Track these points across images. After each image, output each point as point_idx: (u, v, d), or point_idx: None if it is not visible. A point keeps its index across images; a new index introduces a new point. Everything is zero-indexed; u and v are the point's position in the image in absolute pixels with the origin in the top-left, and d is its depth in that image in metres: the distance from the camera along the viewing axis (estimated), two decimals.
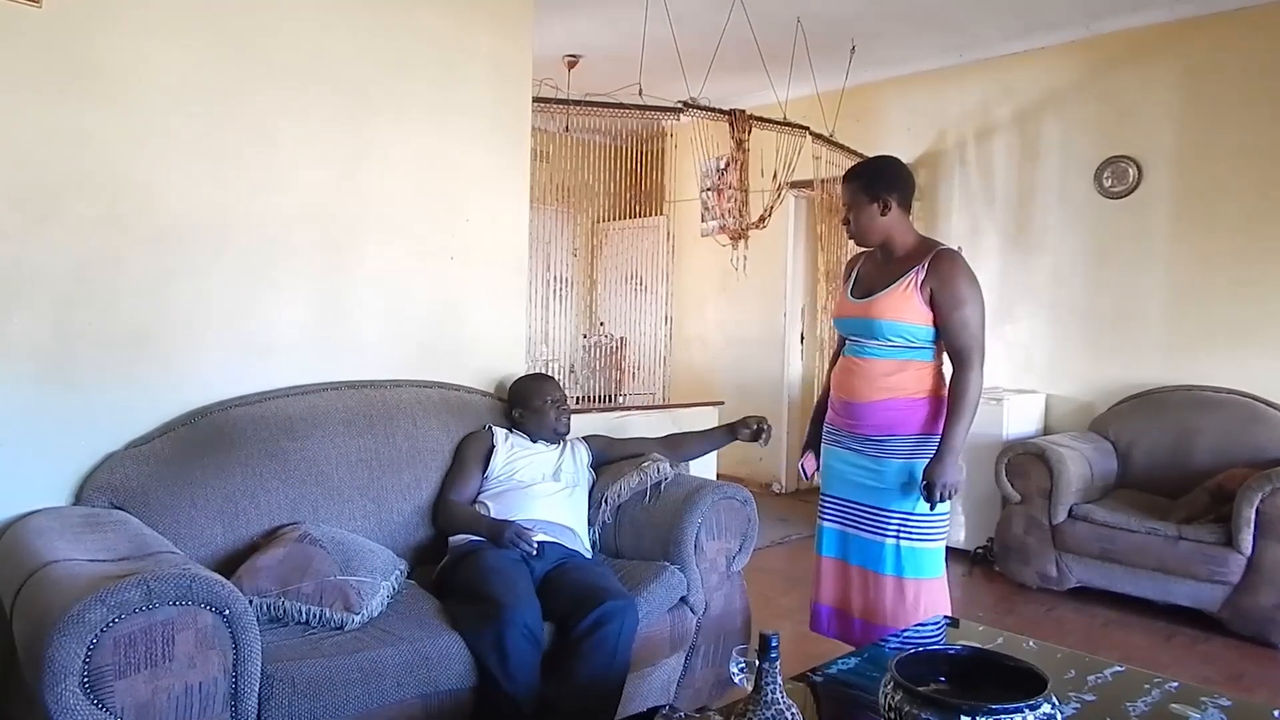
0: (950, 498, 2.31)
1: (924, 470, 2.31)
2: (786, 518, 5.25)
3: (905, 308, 2.34)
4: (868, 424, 2.42)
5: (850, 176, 2.48)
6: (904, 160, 5.40)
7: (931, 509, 2.34)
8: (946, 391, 2.38)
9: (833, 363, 2.66)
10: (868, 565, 2.45)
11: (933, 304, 2.32)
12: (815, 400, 2.79)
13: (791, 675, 1.75)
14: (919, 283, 2.33)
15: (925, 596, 2.37)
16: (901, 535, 2.39)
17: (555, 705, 2.06)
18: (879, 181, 2.40)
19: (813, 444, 2.68)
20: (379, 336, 2.84)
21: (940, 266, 2.32)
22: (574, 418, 2.86)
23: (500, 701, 2.00)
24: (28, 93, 2.14)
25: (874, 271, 2.47)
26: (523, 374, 3.01)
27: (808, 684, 1.76)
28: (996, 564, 4.16)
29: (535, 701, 2.03)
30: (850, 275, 2.57)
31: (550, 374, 2.94)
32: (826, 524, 2.57)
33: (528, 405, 2.75)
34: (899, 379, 2.37)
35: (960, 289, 2.31)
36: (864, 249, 2.54)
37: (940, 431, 2.34)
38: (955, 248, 2.41)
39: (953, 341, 2.33)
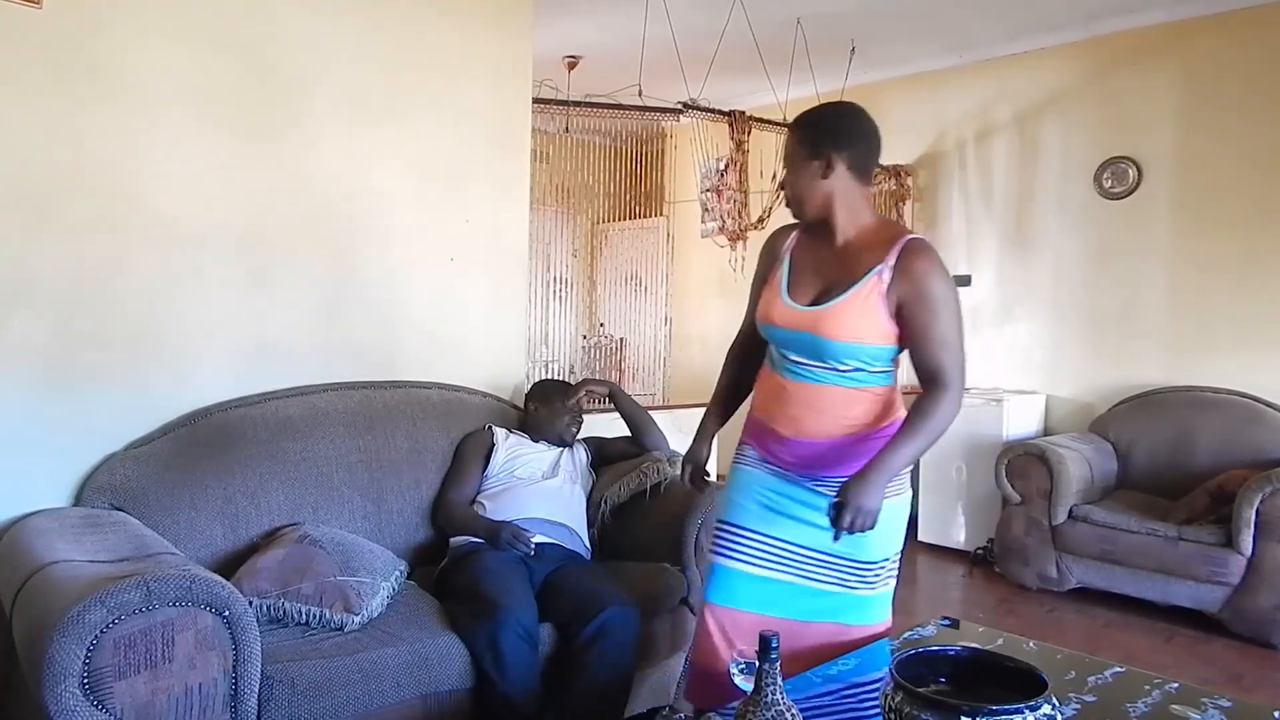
0: (863, 529, 1.73)
1: (841, 488, 1.75)
2: None
3: (866, 324, 1.76)
4: (829, 467, 1.85)
5: (792, 125, 1.88)
6: (904, 160, 5.46)
7: (835, 539, 1.75)
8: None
9: (737, 359, 2.06)
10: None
11: (900, 315, 1.76)
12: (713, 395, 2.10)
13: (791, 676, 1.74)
14: (884, 288, 1.75)
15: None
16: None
17: (563, 714, 2.07)
18: (824, 132, 1.80)
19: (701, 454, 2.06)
20: (379, 337, 2.84)
21: (913, 266, 1.75)
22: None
23: (495, 702, 2.00)
24: (28, 93, 2.14)
25: (818, 262, 1.85)
26: (549, 377, 3.05)
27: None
28: (996, 565, 4.16)
29: (532, 704, 2.04)
30: (777, 258, 1.92)
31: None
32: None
33: (547, 404, 2.76)
34: (860, 411, 1.83)
35: (939, 295, 1.75)
36: (795, 221, 1.92)
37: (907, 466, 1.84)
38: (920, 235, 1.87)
39: (929, 362, 1.78)
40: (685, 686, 2.00)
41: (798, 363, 1.84)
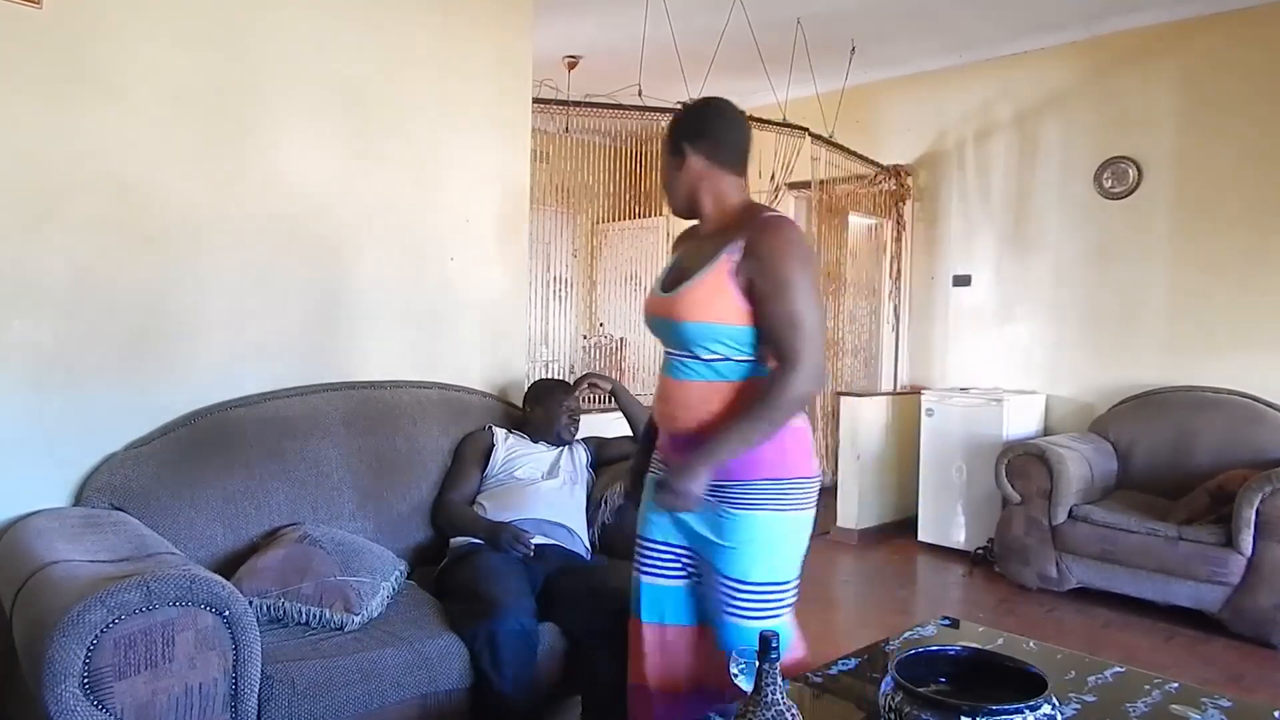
0: (678, 511, 1.76)
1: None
2: None
3: (719, 304, 1.72)
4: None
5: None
6: (904, 160, 5.46)
7: (660, 503, 1.78)
8: (799, 421, 1.79)
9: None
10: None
11: (751, 293, 1.72)
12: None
13: (791, 676, 1.74)
14: (734, 266, 1.72)
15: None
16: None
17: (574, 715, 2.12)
18: (678, 128, 1.87)
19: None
20: (379, 337, 2.84)
21: (761, 242, 1.71)
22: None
23: (492, 701, 2.01)
24: (28, 94, 2.14)
25: (691, 252, 1.86)
26: (546, 377, 3.07)
27: (807, 684, 1.76)
28: (997, 565, 4.16)
29: (530, 702, 2.04)
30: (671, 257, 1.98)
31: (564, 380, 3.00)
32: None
33: (544, 404, 2.76)
34: (728, 407, 1.76)
35: (785, 271, 1.69)
36: (691, 221, 1.96)
37: (800, 473, 1.77)
38: (788, 215, 1.83)
39: (775, 340, 1.71)
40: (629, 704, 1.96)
41: (671, 354, 1.84)
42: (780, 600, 1.78)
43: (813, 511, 1.82)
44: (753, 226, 1.75)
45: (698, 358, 1.77)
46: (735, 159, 1.84)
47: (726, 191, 1.84)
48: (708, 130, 1.84)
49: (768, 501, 1.74)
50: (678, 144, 1.84)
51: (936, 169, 5.29)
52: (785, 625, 1.80)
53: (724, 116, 1.87)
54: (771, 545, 1.76)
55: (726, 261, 1.73)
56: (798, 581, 1.82)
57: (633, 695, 1.93)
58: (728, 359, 1.75)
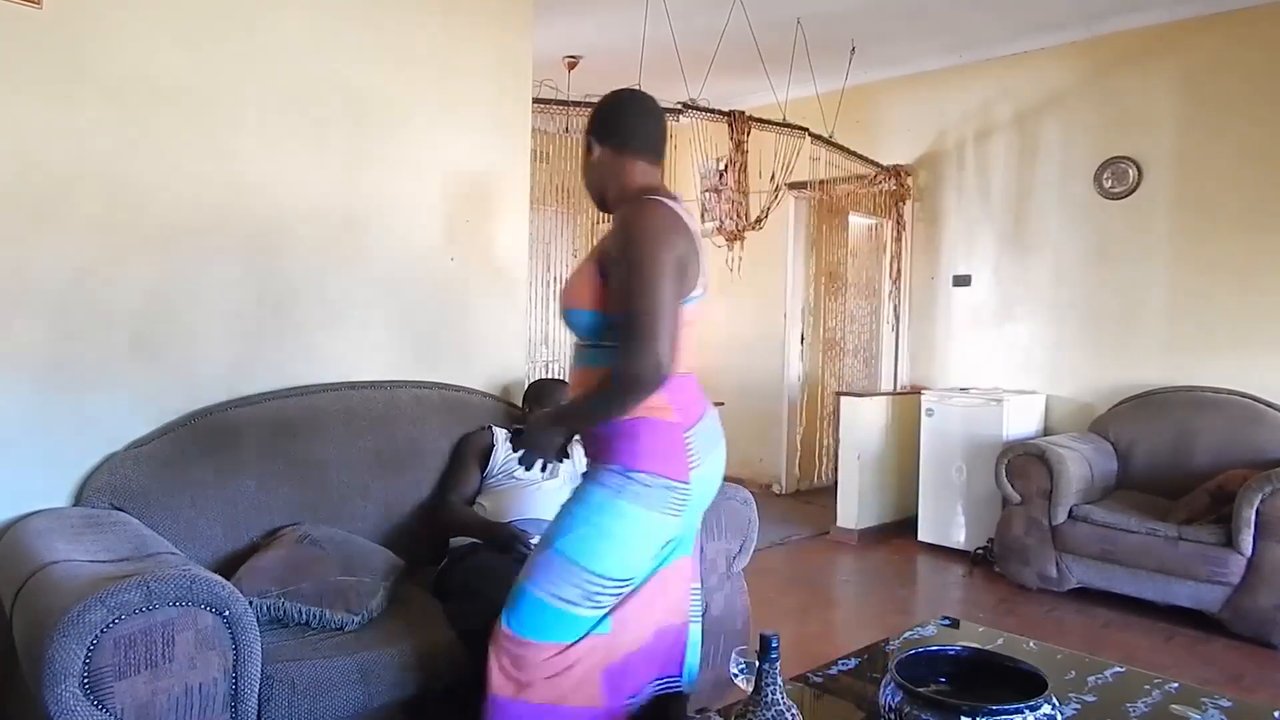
0: (526, 458, 1.82)
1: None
2: (787, 518, 5.26)
3: (585, 288, 1.71)
4: (591, 450, 1.77)
5: None
6: (904, 160, 5.46)
7: (514, 448, 1.85)
8: (670, 410, 1.68)
9: None
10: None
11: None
12: None
13: (791, 675, 1.75)
14: (602, 250, 1.72)
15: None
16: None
17: None
18: (589, 124, 1.87)
19: None
20: (379, 337, 2.84)
21: (617, 222, 1.72)
22: None
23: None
24: (28, 94, 2.14)
25: None
26: (544, 377, 3.05)
27: (807, 684, 1.76)
28: (997, 565, 4.16)
29: None
30: None
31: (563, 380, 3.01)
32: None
33: (543, 404, 2.77)
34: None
35: (632, 240, 1.64)
36: None
37: (651, 469, 1.64)
38: (670, 197, 1.76)
39: (622, 315, 1.63)
40: None
41: (575, 344, 1.84)
42: (579, 588, 1.65)
43: (666, 519, 1.67)
44: (625, 210, 1.73)
45: (582, 343, 1.78)
46: (644, 147, 1.83)
47: (632, 181, 1.81)
48: (613, 123, 1.84)
49: (612, 483, 1.65)
50: (588, 137, 1.86)
51: (936, 169, 5.29)
52: (580, 620, 1.67)
53: (631, 108, 1.86)
54: (596, 523, 1.65)
55: (600, 246, 1.75)
56: (616, 586, 1.67)
57: None
58: (599, 345, 1.72)
